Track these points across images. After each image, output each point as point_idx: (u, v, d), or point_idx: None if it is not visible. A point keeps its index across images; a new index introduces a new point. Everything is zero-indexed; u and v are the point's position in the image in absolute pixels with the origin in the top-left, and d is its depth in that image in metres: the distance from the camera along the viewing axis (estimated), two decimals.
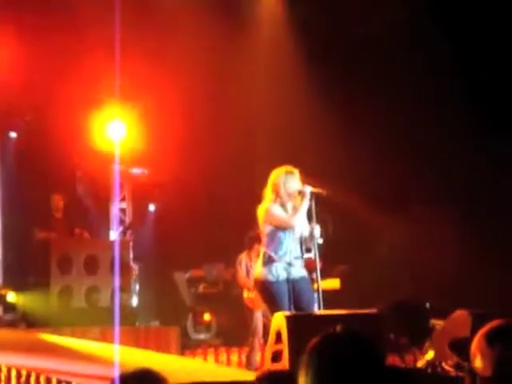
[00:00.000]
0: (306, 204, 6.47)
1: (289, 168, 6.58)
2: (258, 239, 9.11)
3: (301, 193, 6.49)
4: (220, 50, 10.87)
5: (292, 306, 6.32)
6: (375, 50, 10.87)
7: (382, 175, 11.12)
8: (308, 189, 6.50)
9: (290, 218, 6.44)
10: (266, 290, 6.41)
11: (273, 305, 6.36)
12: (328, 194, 6.61)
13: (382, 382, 2.03)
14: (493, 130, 10.35)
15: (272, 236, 6.47)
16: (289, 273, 6.38)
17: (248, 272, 9.33)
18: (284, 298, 6.32)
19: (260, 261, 6.52)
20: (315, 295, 6.49)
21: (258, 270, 6.49)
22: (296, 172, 6.57)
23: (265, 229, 6.51)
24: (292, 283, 6.38)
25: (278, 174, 6.54)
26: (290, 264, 6.40)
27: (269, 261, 6.41)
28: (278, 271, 6.38)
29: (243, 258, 9.38)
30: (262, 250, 6.55)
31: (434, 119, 10.92)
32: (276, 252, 6.42)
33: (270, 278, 6.36)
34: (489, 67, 10.41)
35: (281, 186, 6.49)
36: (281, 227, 6.44)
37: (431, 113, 10.97)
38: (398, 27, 10.48)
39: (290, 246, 6.44)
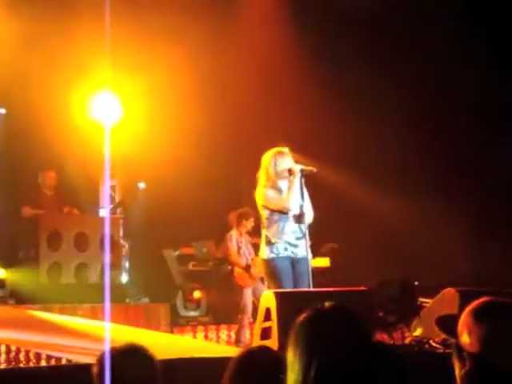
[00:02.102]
0: (296, 183, 6.50)
1: (280, 148, 6.62)
2: (246, 214, 9.15)
3: (291, 171, 6.51)
4: (214, 25, 10.84)
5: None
6: (375, 25, 10.78)
7: (374, 152, 11.14)
8: (298, 167, 6.52)
9: (283, 200, 6.49)
10: (268, 267, 6.52)
11: (274, 281, 6.44)
12: (318, 171, 6.62)
13: (369, 356, 2.04)
14: None
15: (270, 219, 6.56)
16: (291, 252, 6.47)
17: (239, 248, 9.36)
18: (285, 274, 6.41)
19: (263, 242, 6.63)
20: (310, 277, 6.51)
21: (262, 250, 6.63)
22: (286, 151, 6.60)
23: (263, 212, 6.63)
24: (293, 262, 6.45)
25: (268, 156, 6.60)
26: (290, 244, 6.47)
27: (270, 242, 6.52)
28: (279, 249, 6.48)
29: (233, 234, 9.41)
30: (263, 232, 6.64)
31: (433, 92, 10.89)
32: (275, 234, 6.50)
33: (272, 255, 6.48)
34: None
35: (272, 167, 6.54)
36: (277, 210, 6.49)
37: (430, 87, 10.93)
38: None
39: (289, 227, 6.50)
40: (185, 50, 10.46)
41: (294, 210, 6.53)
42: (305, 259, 6.47)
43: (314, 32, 11.10)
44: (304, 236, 6.50)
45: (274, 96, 11.35)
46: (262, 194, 6.58)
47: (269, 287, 6.59)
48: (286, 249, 6.49)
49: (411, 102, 10.93)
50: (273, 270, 6.48)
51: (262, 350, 3.04)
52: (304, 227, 6.49)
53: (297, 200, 6.54)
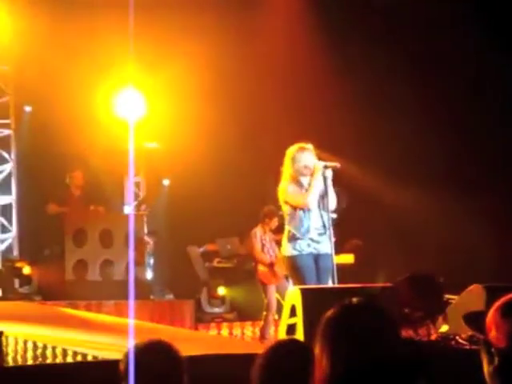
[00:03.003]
0: (318, 179, 6.48)
1: (302, 144, 6.60)
2: (270, 214, 9.14)
3: (314, 168, 6.49)
4: (235, 22, 10.83)
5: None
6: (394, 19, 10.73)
7: (398, 149, 11.07)
8: (320, 164, 6.50)
9: (304, 196, 6.47)
10: (291, 264, 6.52)
11: (298, 279, 6.43)
12: (342, 167, 6.60)
13: (397, 352, 2.03)
14: None
15: (292, 215, 6.55)
16: (314, 248, 6.45)
17: (263, 246, 9.35)
18: (309, 271, 6.40)
19: (285, 238, 6.62)
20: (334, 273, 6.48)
21: (284, 246, 6.61)
22: (309, 147, 6.58)
23: (285, 208, 6.62)
24: (316, 259, 6.44)
25: (291, 152, 6.59)
26: (313, 240, 6.46)
27: (292, 238, 6.50)
28: (302, 246, 6.47)
29: (257, 231, 9.40)
30: (286, 228, 6.64)
31: (454, 84, 10.80)
32: (298, 230, 6.49)
33: (294, 252, 6.47)
34: None
35: (294, 163, 6.53)
36: (298, 206, 6.47)
37: (447, 82, 10.85)
38: None
39: (311, 223, 6.47)
40: (208, 45, 10.46)
41: (315, 205, 6.50)
42: (328, 255, 6.45)
43: (333, 27, 11.05)
44: (326, 232, 6.47)
45: (297, 90, 11.31)
46: (284, 190, 6.56)
47: (293, 284, 6.58)
48: (308, 245, 6.47)
49: (430, 93, 10.85)
50: (296, 268, 6.47)
51: (292, 342, 3.05)
52: (327, 221, 6.46)
53: (331, 195, 6.51)
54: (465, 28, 10.37)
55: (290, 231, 6.54)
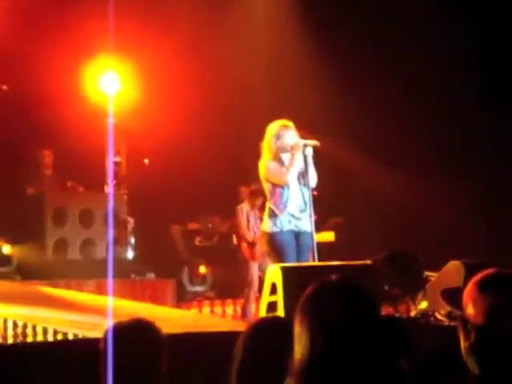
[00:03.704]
0: (298, 157, 6.48)
1: (283, 121, 6.59)
2: (257, 192, 9.14)
3: (294, 146, 6.49)
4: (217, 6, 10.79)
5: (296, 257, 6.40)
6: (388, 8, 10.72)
7: (379, 128, 11.09)
8: (301, 142, 6.50)
9: (284, 174, 6.47)
10: (271, 241, 6.51)
11: (278, 256, 6.42)
12: (323, 145, 6.61)
13: (376, 328, 2.04)
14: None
15: (273, 191, 6.56)
16: (294, 225, 6.45)
17: (248, 222, 9.35)
18: (289, 248, 6.40)
19: (266, 214, 6.63)
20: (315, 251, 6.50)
21: (265, 222, 6.62)
22: (291, 125, 6.58)
23: (266, 185, 6.62)
24: (297, 236, 6.45)
25: (272, 129, 6.58)
26: (293, 216, 6.46)
27: (273, 214, 6.51)
28: (283, 223, 6.47)
29: (244, 207, 9.39)
30: (267, 204, 6.65)
31: (434, 73, 10.83)
32: (278, 206, 6.49)
33: (275, 229, 6.47)
34: None
35: (274, 140, 6.52)
36: (278, 184, 6.48)
37: (431, 67, 10.87)
38: None
39: (292, 200, 6.48)
40: (186, 30, 10.43)
41: (294, 182, 6.52)
42: (308, 233, 6.46)
43: (325, 13, 11.02)
44: (307, 209, 6.48)
45: (280, 71, 11.29)
46: (264, 166, 6.56)
47: (272, 261, 6.58)
48: (289, 222, 6.47)
49: (420, 80, 10.86)
50: (276, 244, 6.47)
51: (274, 319, 3.06)
52: (308, 198, 6.47)
53: (312, 172, 6.52)
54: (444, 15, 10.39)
55: (270, 208, 6.55)
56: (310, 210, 6.48)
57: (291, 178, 6.48)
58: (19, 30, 9.85)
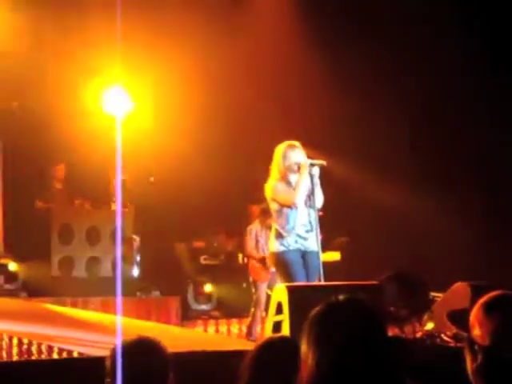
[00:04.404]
0: (305, 177, 6.49)
1: (290, 142, 6.62)
2: (267, 212, 9.11)
3: (300, 166, 6.51)
4: (223, 19, 10.84)
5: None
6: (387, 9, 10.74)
7: (386, 147, 11.09)
8: (307, 161, 6.52)
9: (291, 195, 6.49)
10: (278, 260, 6.54)
11: (286, 274, 6.44)
12: (329, 165, 6.62)
13: (384, 347, 2.04)
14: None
15: (279, 212, 6.58)
16: (301, 244, 6.48)
17: (257, 242, 9.33)
18: (296, 265, 6.42)
19: (272, 235, 6.66)
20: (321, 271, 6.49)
21: (272, 243, 6.65)
22: (297, 145, 6.60)
23: (272, 205, 6.65)
24: (303, 255, 6.46)
25: (279, 150, 6.62)
26: (300, 236, 6.48)
27: (279, 235, 6.54)
28: (289, 242, 6.50)
29: (253, 228, 9.37)
30: (274, 225, 6.67)
31: (444, 81, 10.83)
32: (284, 227, 6.52)
33: (282, 248, 6.50)
34: None
35: (282, 161, 6.56)
36: (286, 204, 6.49)
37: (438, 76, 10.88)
38: None
39: (298, 221, 6.50)
40: (194, 45, 10.47)
41: (301, 203, 6.53)
42: (315, 252, 6.46)
43: (324, 20, 11.06)
44: (313, 229, 6.49)
45: (287, 89, 11.33)
46: (272, 187, 6.59)
47: (281, 280, 6.58)
48: (296, 241, 6.50)
49: (422, 93, 10.87)
50: (283, 263, 6.48)
51: (282, 339, 3.06)
52: (314, 218, 6.48)
53: (318, 193, 6.54)
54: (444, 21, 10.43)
55: (277, 229, 6.57)
56: (316, 230, 6.48)
57: (300, 199, 6.50)
58: (29, 49, 9.93)
